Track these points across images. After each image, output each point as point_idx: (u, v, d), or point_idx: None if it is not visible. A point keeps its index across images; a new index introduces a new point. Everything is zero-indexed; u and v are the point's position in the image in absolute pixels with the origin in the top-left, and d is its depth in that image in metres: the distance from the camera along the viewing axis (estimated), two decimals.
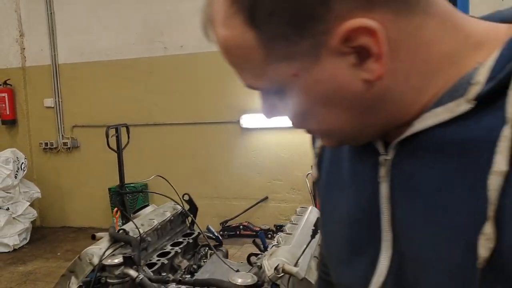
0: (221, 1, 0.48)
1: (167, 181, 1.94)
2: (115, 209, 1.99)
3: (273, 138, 4.37)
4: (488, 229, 0.43)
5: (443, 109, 0.48)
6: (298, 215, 1.71)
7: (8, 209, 4.39)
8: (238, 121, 4.37)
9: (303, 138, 4.26)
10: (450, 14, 0.50)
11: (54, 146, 5.03)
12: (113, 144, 3.73)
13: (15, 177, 4.38)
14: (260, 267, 1.31)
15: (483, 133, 0.45)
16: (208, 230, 1.93)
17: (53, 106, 4.98)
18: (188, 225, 1.93)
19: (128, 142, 3.82)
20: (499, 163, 0.43)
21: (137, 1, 4.60)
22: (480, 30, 0.50)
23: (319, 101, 0.50)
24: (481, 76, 0.46)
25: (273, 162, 4.38)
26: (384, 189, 0.54)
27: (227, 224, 4.42)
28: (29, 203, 4.58)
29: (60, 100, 4.98)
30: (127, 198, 4.67)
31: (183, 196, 1.98)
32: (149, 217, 1.74)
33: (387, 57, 0.46)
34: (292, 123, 0.55)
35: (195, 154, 4.59)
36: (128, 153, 4.75)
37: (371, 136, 0.55)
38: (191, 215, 1.94)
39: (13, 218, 4.43)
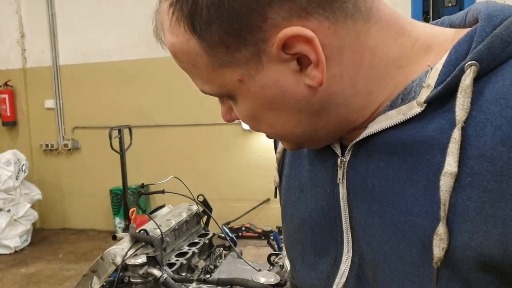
0: (165, 9, 0.49)
1: (183, 183, 1.96)
2: (132, 209, 2.00)
3: None
4: (441, 229, 0.44)
5: (396, 112, 0.49)
6: None
7: (9, 210, 4.38)
8: (240, 122, 4.38)
9: None
10: (395, 20, 0.51)
11: (55, 148, 5.02)
12: (116, 146, 3.75)
13: (16, 179, 4.37)
14: (282, 266, 1.33)
15: (434, 135, 0.46)
16: (223, 230, 1.95)
17: (54, 107, 4.98)
18: (203, 225, 1.94)
19: (130, 144, 3.84)
20: (450, 165, 0.44)
21: (138, 2, 4.61)
22: (428, 35, 0.51)
23: (267, 105, 0.51)
24: (431, 80, 0.47)
25: (274, 164, 4.40)
26: (342, 191, 0.55)
27: (229, 226, 4.43)
28: (30, 205, 4.57)
29: (61, 101, 4.98)
30: (130, 199, 4.68)
31: (197, 197, 2.00)
32: (166, 218, 1.76)
33: (326, 64, 0.47)
34: (249, 126, 0.57)
35: (196, 156, 4.60)
36: (129, 155, 4.76)
37: (327, 139, 0.56)
38: (209, 215, 1.95)
39: (14, 220, 4.42)
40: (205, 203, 2.26)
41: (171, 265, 1.53)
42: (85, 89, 4.88)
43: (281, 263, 1.36)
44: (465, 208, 0.44)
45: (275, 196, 0.74)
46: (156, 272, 1.35)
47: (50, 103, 4.98)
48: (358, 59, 0.49)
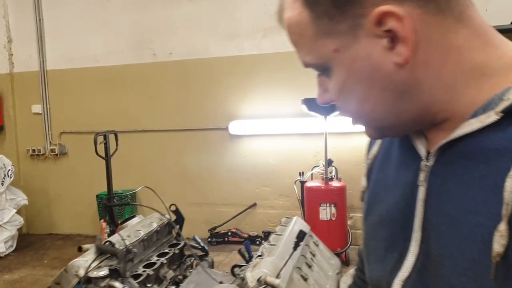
0: None
1: (155, 192, 1.95)
2: (102, 220, 1.98)
3: (262, 144, 4.39)
4: (502, 226, 0.48)
5: (475, 120, 0.54)
6: (283, 225, 1.73)
7: None
8: (227, 127, 4.38)
9: (291, 145, 4.30)
10: (486, 30, 0.56)
11: (41, 153, 5.00)
12: (101, 151, 3.73)
13: (2, 184, 4.35)
14: (243, 278, 1.33)
15: (506, 143, 0.50)
16: (194, 240, 1.94)
17: (41, 112, 4.96)
18: (175, 235, 1.93)
19: (116, 149, 3.82)
20: None
21: (126, 7, 4.61)
22: None
23: (357, 78, 0.57)
24: (511, 95, 0.52)
25: (261, 168, 4.40)
26: (421, 193, 0.60)
27: (216, 231, 4.43)
28: (16, 210, 4.55)
29: (48, 106, 4.96)
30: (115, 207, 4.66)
31: (170, 207, 1.99)
32: (136, 228, 1.75)
33: (414, 44, 0.53)
34: (338, 107, 0.63)
35: (183, 161, 4.59)
36: (116, 160, 4.74)
37: (407, 126, 0.61)
38: (176, 226, 1.94)
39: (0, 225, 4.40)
40: (177, 212, 2.25)
41: (137, 276, 1.52)
42: (72, 94, 4.87)
43: (242, 275, 1.35)
44: None
45: (361, 200, 0.78)
46: (117, 284, 1.34)
47: (37, 108, 4.97)
48: (444, 53, 0.55)
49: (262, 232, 4.31)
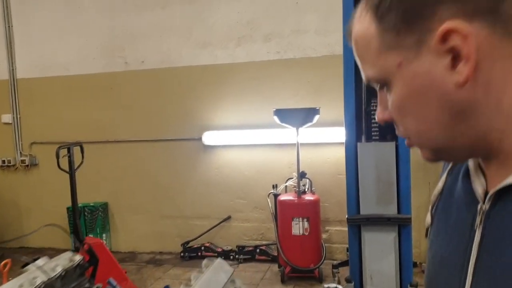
0: (360, 7, 0.61)
1: (63, 230, 1.79)
2: (2, 263, 1.82)
3: (236, 155, 4.28)
4: None
5: None
6: (202, 269, 1.52)
7: None
8: (200, 138, 4.26)
9: (266, 156, 4.18)
10: None
11: (11, 164, 4.86)
12: (65, 165, 3.59)
13: None
14: None
15: None
16: (109, 283, 1.80)
17: (11, 122, 4.82)
18: (89, 278, 1.78)
19: (82, 162, 3.68)
20: None
21: (97, 14, 4.49)
22: None
23: (415, 95, 0.57)
24: None
25: (235, 180, 4.28)
26: (477, 236, 0.59)
27: (189, 245, 4.30)
28: None
29: (18, 116, 4.83)
30: (86, 218, 4.53)
31: (83, 246, 1.84)
32: (33, 275, 1.58)
33: (475, 68, 0.52)
34: (396, 125, 0.63)
35: (156, 172, 4.47)
36: (88, 171, 4.60)
37: (463, 152, 0.60)
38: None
39: None
40: (90, 252, 2.10)
41: None
42: (43, 104, 4.73)
43: None
44: None
45: (426, 236, 0.78)
46: None
47: (7, 117, 4.82)
48: (507, 78, 0.53)
49: (237, 246, 4.18)
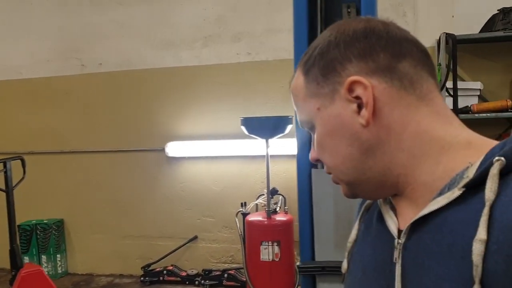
0: (298, 69, 0.75)
1: None
2: None
3: (203, 168, 3.84)
4: None
5: (442, 198, 0.61)
6: None
7: None
8: (163, 149, 3.82)
9: (236, 169, 3.71)
10: (446, 113, 0.68)
11: None
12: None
13: None
14: None
15: (470, 214, 0.57)
16: None
17: None
18: None
19: (23, 178, 3.24)
20: (480, 233, 0.54)
21: (51, 12, 4.06)
22: (471, 135, 0.67)
23: (330, 133, 0.69)
24: (470, 173, 0.60)
25: (203, 196, 3.85)
26: (398, 270, 0.65)
27: (150, 268, 3.86)
28: None
29: None
30: (38, 237, 4.08)
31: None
32: None
33: (377, 113, 0.65)
34: (319, 159, 0.75)
35: (116, 186, 4.02)
36: (42, 184, 4.18)
37: (374, 186, 0.70)
38: None
39: None
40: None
41: None
42: None
43: None
44: (495, 271, 0.53)
45: (342, 282, 0.82)
46: None
47: None
48: (405, 122, 0.66)
49: (203, 270, 3.74)
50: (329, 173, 0.75)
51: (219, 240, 3.85)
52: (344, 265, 0.81)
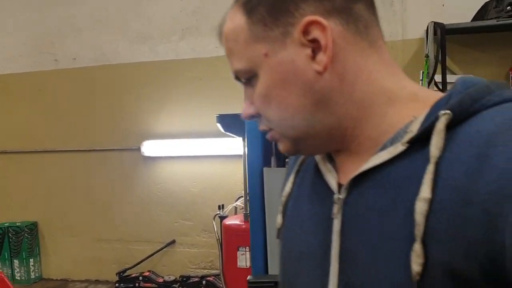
0: (231, 6, 0.67)
1: None
2: None
3: (181, 168, 3.63)
4: (417, 246, 0.53)
5: (384, 152, 0.60)
6: None
7: None
8: (139, 148, 3.62)
9: (216, 169, 3.49)
10: (392, 63, 0.66)
11: None
12: None
13: None
14: None
15: (414, 170, 0.56)
16: None
17: None
18: None
19: None
20: (424, 191, 0.53)
21: (22, 5, 3.86)
22: (416, 87, 0.65)
23: (280, 82, 0.63)
24: (414, 127, 0.58)
25: (181, 198, 3.64)
26: (336, 225, 0.64)
27: (125, 274, 3.65)
28: None
29: None
30: (10, 240, 3.89)
31: None
32: None
33: (332, 58, 0.61)
34: (260, 117, 0.68)
35: (90, 188, 3.82)
36: (15, 185, 3.99)
37: (321, 141, 0.66)
38: None
39: None
40: None
41: None
42: None
43: None
44: (437, 230, 0.52)
45: (277, 237, 0.78)
46: None
47: None
48: (358, 70, 0.62)
49: (180, 276, 3.53)
50: (268, 130, 0.69)
51: (197, 244, 3.65)
52: (279, 220, 0.79)
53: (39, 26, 3.84)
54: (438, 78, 2.70)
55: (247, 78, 0.66)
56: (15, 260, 3.87)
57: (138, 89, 3.64)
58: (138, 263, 3.66)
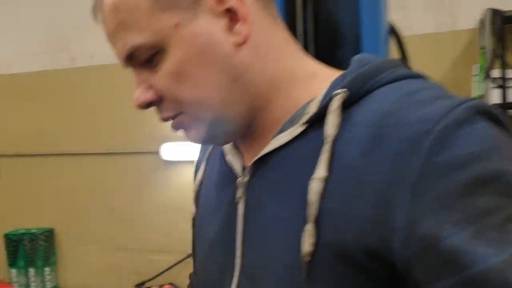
0: None
1: None
2: None
3: None
4: (309, 226, 0.53)
5: (285, 134, 0.60)
6: None
7: None
8: (158, 151, 3.37)
9: None
10: (293, 41, 0.65)
11: None
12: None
13: None
14: None
15: (311, 151, 0.56)
16: None
17: None
18: None
19: None
20: (319, 171, 0.54)
21: (40, 3, 3.68)
22: (314, 66, 0.65)
23: (195, 56, 0.58)
24: (312, 108, 0.59)
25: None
26: (240, 209, 0.64)
27: (145, 287, 3.42)
28: None
29: None
30: (25, 248, 3.71)
31: None
32: None
33: (250, 24, 0.58)
34: (164, 102, 0.62)
35: (108, 193, 3.61)
36: (31, 189, 3.82)
37: (234, 125, 0.63)
38: None
39: None
40: None
41: None
42: None
43: None
44: (330, 209, 0.53)
45: (192, 226, 0.77)
46: None
47: None
48: (268, 46, 0.61)
49: None
50: (174, 116, 0.63)
51: None
52: (192, 209, 0.79)
53: (54, 22, 3.65)
54: (496, 73, 2.36)
55: (149, 56, 0.59)
56: (30, 269, 3.69)
57: None
58: (158, 275, 3.42)
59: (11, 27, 3.76)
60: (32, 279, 3.67)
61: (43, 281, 3.68)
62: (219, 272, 0.67)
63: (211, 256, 0.70)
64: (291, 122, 0.60)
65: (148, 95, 0.62)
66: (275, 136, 0.61)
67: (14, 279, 3.71)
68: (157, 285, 3.39)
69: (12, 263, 3.71)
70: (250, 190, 0.63)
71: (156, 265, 3.48)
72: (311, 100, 0.59)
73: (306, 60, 0.65)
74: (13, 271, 3.73)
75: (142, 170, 3.49)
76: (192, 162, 3.31)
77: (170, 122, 0.72)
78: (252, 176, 0.63)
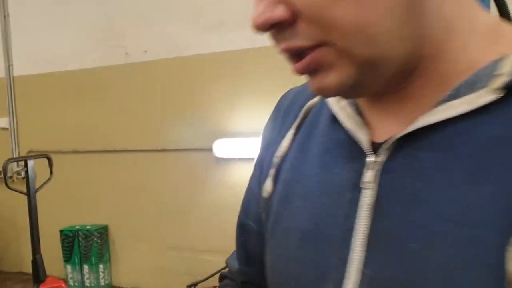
0: None
1: None
2: None
3: None
4: None
5: (460, 101, 0.42)
6: None
7: None
8: (211, 148, 3.26)
9: None
10: None
11: (8, 175, 4.18)
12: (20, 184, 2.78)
13: None
14: None
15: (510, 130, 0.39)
16: None
17: (7, 127, 4.15)
18: None
19: (49, 179, 2.85)
20: None
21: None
22: (496, 18, 0.48)
23: None
24: (506, 68, 0.40)
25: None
26: (367, 198, 0.46)
27: None
28: None
29: (15, 120, 4.14)
30: (80, 244, 3.72)
31: None
32: None
33: None
34: (307, 14, 0.41)
35: (159, 190, 3.54)
36: (85, 186, 3.82)
37: (390, 71, 0.43)
38: None
39: None
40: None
41: None
42: (38, 106, 4.01)
43: None
44: None
45: (262, 209, 0.61)
46: None
47: (3, 122, 4.16)
48: None
49: None
50: (314, 47, 0.41)
51: None
52: (268, 187, 0.59)
53: (108, 18, 3.63)
54: None
55: None
56: (85, 266, 3.69)
57: (211, 82, 3.28)
58: (211, 276, 3.29)
59: (66, 25, 3.79)
60: (86, 275, 3.67)
61: (97, 278, 3.67)
62: (313, 275, 0.50)
63: (302, 255, 0.53)
64: (472, 86, 0.42)
65: (277, 12, 0.42)
66: (442, 101, 0.43)
67: (69, 275, 3.73)
68: (210, 286, 3.27)
69: (67, 259, 3.73)
70: (387, 174, 0.45)
71: (207, 266, 3.36)
72: (500, 59, 0.41)
73: (486, 11, 0.48)
74: (68, 267, 3.74)
75: (194, 167, 3.39)
76: (246, 159, 3.18)
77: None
78: (392, 155, 0.45)
